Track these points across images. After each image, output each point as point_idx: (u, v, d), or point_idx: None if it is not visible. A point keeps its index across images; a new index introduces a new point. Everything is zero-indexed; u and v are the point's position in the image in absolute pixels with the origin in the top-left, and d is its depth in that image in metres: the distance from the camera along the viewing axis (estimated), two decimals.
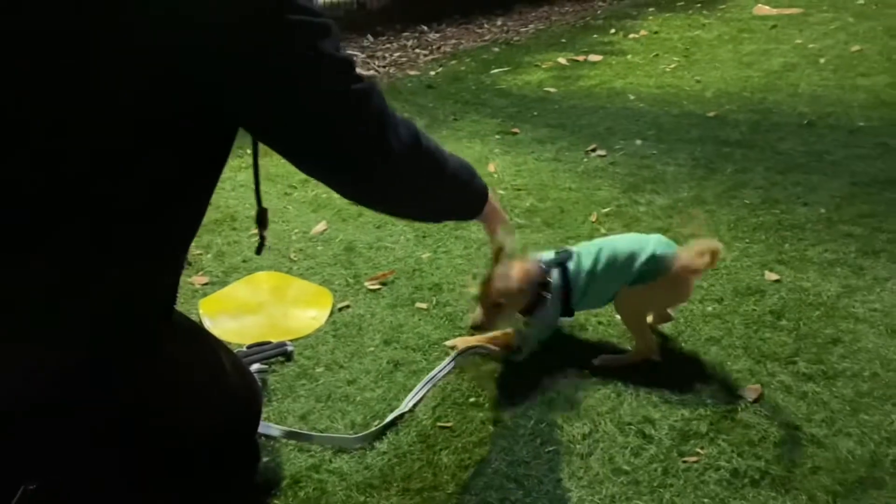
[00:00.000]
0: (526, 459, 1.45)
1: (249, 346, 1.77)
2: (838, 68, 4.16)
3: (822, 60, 4.33)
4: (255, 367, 1.67)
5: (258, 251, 1.24)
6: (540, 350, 1.75)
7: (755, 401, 1.61)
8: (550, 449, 1.48)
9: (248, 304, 1.97)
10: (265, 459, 1.45)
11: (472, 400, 1.63)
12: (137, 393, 1.10)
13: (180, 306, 1.86)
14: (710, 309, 1.94)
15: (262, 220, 1.22)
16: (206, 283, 2.06)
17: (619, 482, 1.40)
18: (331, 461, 1.45)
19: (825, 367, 1.71)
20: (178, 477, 1.23)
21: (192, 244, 2.23)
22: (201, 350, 1.33)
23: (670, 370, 1.71)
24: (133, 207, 0.96)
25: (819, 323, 1.88)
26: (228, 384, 1.35)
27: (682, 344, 1.80)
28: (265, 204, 1.22)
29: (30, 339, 0.98)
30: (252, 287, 2.05)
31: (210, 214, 2.51)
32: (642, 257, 1.63)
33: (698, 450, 1.47)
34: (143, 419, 1.13)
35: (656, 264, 1.62)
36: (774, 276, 2.08)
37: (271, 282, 2.08)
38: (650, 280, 1.63)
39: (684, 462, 1.45)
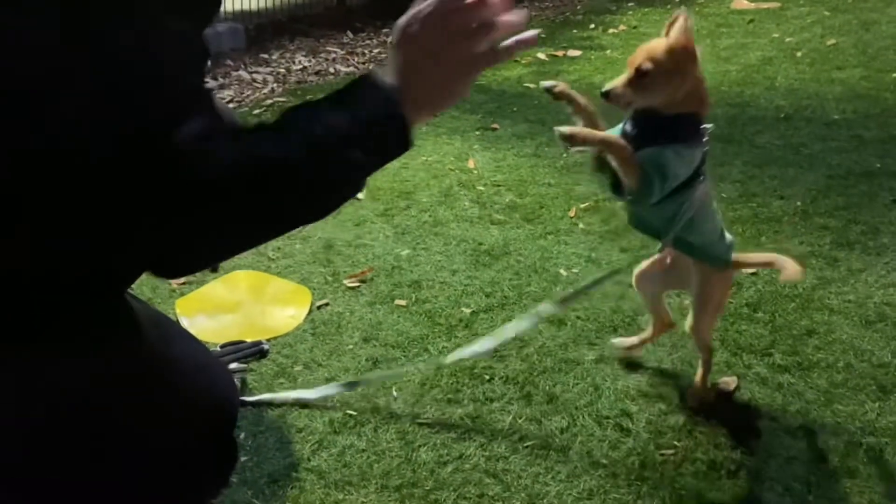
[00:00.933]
0: (504, 455, 1.46)
1: (223, 346, 1.76)
2: (814, 62, 4.20)
3: (798, 54, 4.36)
4: (232, 366, 1.66)
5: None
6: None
7: (732, 392, 1.62)
8: (529, 444, 1.48)
9: (226, 304, 1.97)
10: (243, 459, 1.45)
11: (450, 396, 1.63)
12: (110, 391, 1.09)
13: (157, 307, 1.85)
14: (688, 302, 1.94)
15: None
16: (182, 283, 2.05)
17: (598, 475, 1.41)
18: (309, 459, 1.45)
19: (800, 358, 1.73)
20: (154, 477, 1.23)
21: None
22: (177, 348, 1.32)
23: (648, 364, 1.72)
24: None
25: (794, 315, 1.90)
26: (205, 383, 1.34)
27: (662, 337, 1.81)
28: None
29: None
30: (230, 286, 2.04)
31: None
32: None
33: (675, 443, 1.49)
34: (118, 419, 1.12)
35: None
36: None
37: (249, 280, 2.07)
38: None
39: (661, 455, 1.46)
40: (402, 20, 0.89)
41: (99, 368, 1.04)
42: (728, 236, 1.53)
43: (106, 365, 1.05)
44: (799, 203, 2.49)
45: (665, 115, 1.34)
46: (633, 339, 1.72)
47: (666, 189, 1.34)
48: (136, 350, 1.13)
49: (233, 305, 1.96)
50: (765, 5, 5.67)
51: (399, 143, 0.91)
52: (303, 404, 1.59)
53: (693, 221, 1.41)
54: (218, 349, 1.73)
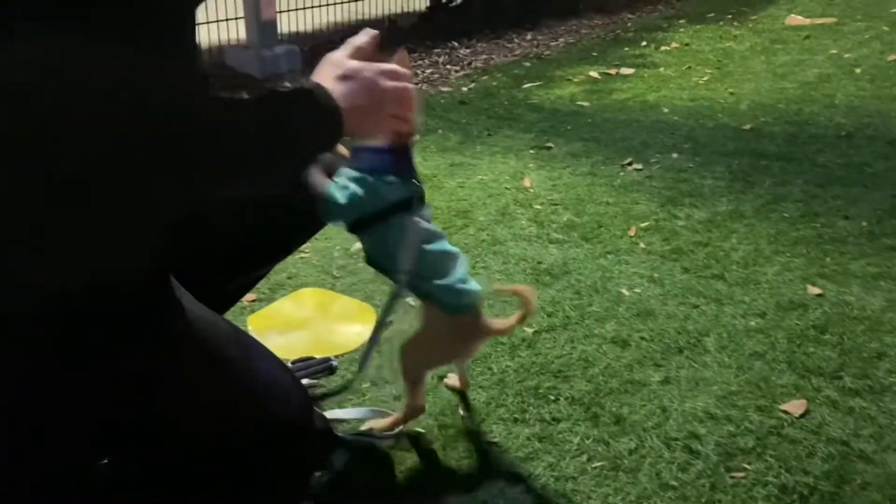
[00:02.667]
0: (573, 475, 1.47)
1: (293, 362, 1.81)
2: (875, 78, 4.13)
3: (857, 70, 4.29)
4: (304, 382, 1.70)
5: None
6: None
7: (801, 416, 1.61)
8: (597, 465, 1.49)
9: (294, 320, 2.01)
10: (316, 474, 1.48)
11: (516, 416, 1.64)
12: (149, 392, 1.14)
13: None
14: (752, 324, 1.94)
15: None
16: (253, 300, 2.11)
17: (667, 497, 1.41)
18: (379, 473, 1.48)
19: (871, 381, 1.71)
20: (220, 485, 1.26)
21: None
22: (257, 363, 1.36)
23: (715, 386, 1.71)
24: None
25: (864, 337, 1.87)
26: (281, 398, 1.38)
27: (726, 358, 1.80)
28: None
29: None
30: (297, 303, 2.09)
31: None
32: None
33: (745, 465, 1.48)
34: (158, 418, 1.16)
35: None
36: (817, 290, 2.07)
37: (315, 298, 2.12)
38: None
39: (732, 477, 1.45)
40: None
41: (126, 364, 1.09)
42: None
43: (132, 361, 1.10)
44: (865, 223, 2.45)
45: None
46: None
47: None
48: (179, 359, 1.18)
49: (301, 322, 2.01)
50: (820, 21, 5.59)
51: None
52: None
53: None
54: (290, 365, 1.77)
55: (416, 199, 1.34)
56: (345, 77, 1.08)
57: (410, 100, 1.16)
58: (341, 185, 1.31)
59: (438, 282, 1.37)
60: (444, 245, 1.39)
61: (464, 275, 1.41)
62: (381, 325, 1.42)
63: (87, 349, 1.06)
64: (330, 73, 1.09)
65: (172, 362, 1.19)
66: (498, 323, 1.49)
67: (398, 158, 1.31)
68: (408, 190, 1.33)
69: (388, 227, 1.33)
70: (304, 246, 2.44)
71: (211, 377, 1.25)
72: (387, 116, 1.14)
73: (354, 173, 1.31)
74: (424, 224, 1.36)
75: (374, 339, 1.42)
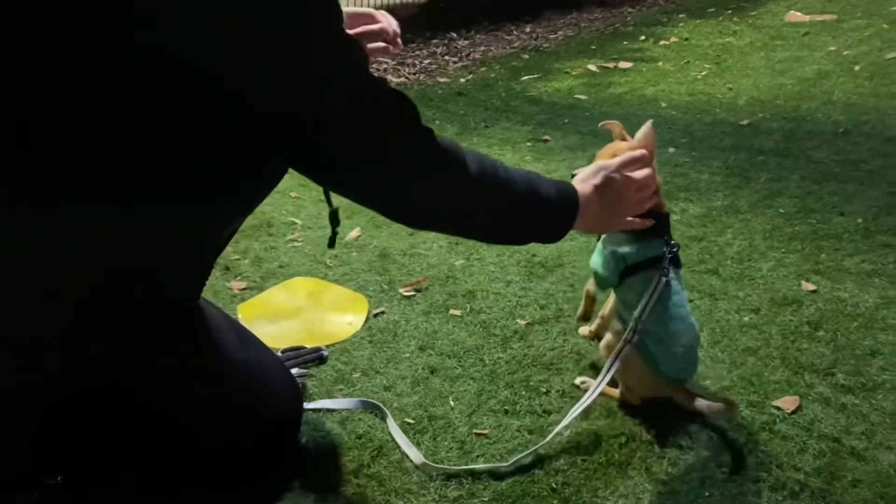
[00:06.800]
0: (563, 468, 1.46)
1: (284, 351, 1.79)
2: (873, 76, 4.12)
3: (856, 68, 4.28)
4: (294, 371, 1.69)
5: (331, 244, 1.42)
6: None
7: (793, 412, 1.60)
8: (587, 458, 1.48)
9: (286, 309, 2.00)
10: (304, 463, 1.47)
11: (507, 408, 1.63)
12: (155, 386, 1.13)
13: None
14: (746, 319, 1.93)
15: (334, 218, 1.42)
16: (243, 289, 2.09)
17: (657, 492, 1.40)
18: (369, 466, 1.47)
19: (864, 378, 1.70)
20: (199, 478, 1.26)
21: (230, 249, 2.26)
22: (250, 351, 1.35)
23: (707, 381, 1.70)
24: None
25: (857, 334, 1.86)
26: (271, 386, 1.38)
27: (719, 354, 1.79)
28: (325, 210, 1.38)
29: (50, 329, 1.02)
30: (289, 292, 2.08)
31: (247, 220, 2.54)
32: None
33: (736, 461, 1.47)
34: (162, 413, 1.15)
35: None
36: (811, 287, 2.07)
37: (308, 287, 2.10)
38: None
39: (722, 473, 1.44)
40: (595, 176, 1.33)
41: (138, 362, 1.09)
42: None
43: (145, 359, 1.10)
44: (860, 220, 2.44)
45: None
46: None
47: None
48: (197, 349, 1.18)
49: (293, 311, 2.00)
50: (820, 18, 5.58)
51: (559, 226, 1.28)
52: (361, 411, 1.61)
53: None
54: (279, 354, 1.76)
55: (665, 258, 1.49)
56: (602, 187, 1.31)
57: (651, 195, 1.41)
58: (603, 258, 1.56)
59: (659, 346, 1.50)
60: (683, 312, 1.52)
61: (689, 347, 1.53)
62: (607, 371, 1.52)
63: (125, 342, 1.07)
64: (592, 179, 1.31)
65: (180, 351, 1.19)
66: (701, 403, 1.49)
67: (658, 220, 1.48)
68: (660, 248, 1.50)
69: (641, 280, 1.51)
70: (296, 234, 2.43)
71: (209, 366, 1.24)
72: (622, 220, 1.39)
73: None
74: (675, 285, 1.51)
75: (598, 386, 1.52)
